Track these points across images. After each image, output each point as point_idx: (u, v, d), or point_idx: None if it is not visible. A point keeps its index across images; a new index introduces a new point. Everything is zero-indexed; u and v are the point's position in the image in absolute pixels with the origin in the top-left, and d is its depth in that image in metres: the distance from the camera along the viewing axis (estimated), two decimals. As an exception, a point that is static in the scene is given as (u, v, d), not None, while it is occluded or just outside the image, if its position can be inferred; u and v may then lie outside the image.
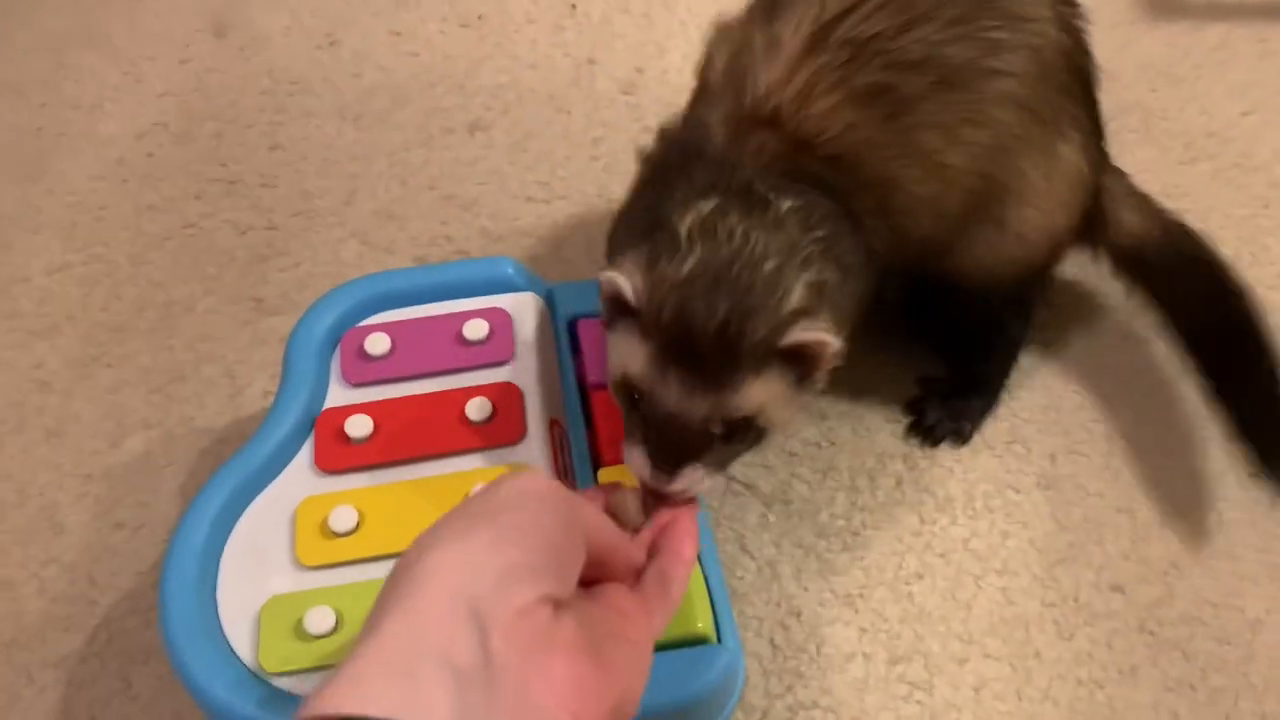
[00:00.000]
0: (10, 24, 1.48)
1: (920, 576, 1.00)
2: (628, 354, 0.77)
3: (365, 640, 0.51)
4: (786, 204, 0.82)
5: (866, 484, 1.05)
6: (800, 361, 0.77)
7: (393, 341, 0.92)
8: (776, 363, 0.76)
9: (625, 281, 0.76)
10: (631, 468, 0.76)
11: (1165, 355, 1.12)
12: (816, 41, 0.86)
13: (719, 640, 0.80)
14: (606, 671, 0.56)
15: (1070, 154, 0.97)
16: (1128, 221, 1.06)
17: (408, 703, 0.47)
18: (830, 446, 1.08)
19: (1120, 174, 1.08)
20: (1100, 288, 1.17)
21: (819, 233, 0.82)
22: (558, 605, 0.56)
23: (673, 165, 0.88)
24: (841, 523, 1.03)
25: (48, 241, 1.25)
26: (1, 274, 1.22)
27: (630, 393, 0.77)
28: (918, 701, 0.92)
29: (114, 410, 1.10)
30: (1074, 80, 0.96)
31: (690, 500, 0.76)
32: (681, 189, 0.84)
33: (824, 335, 0.76)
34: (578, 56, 1.45)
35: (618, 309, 0.77)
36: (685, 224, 0.79)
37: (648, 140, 0.96)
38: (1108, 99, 1.01)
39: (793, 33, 0.86)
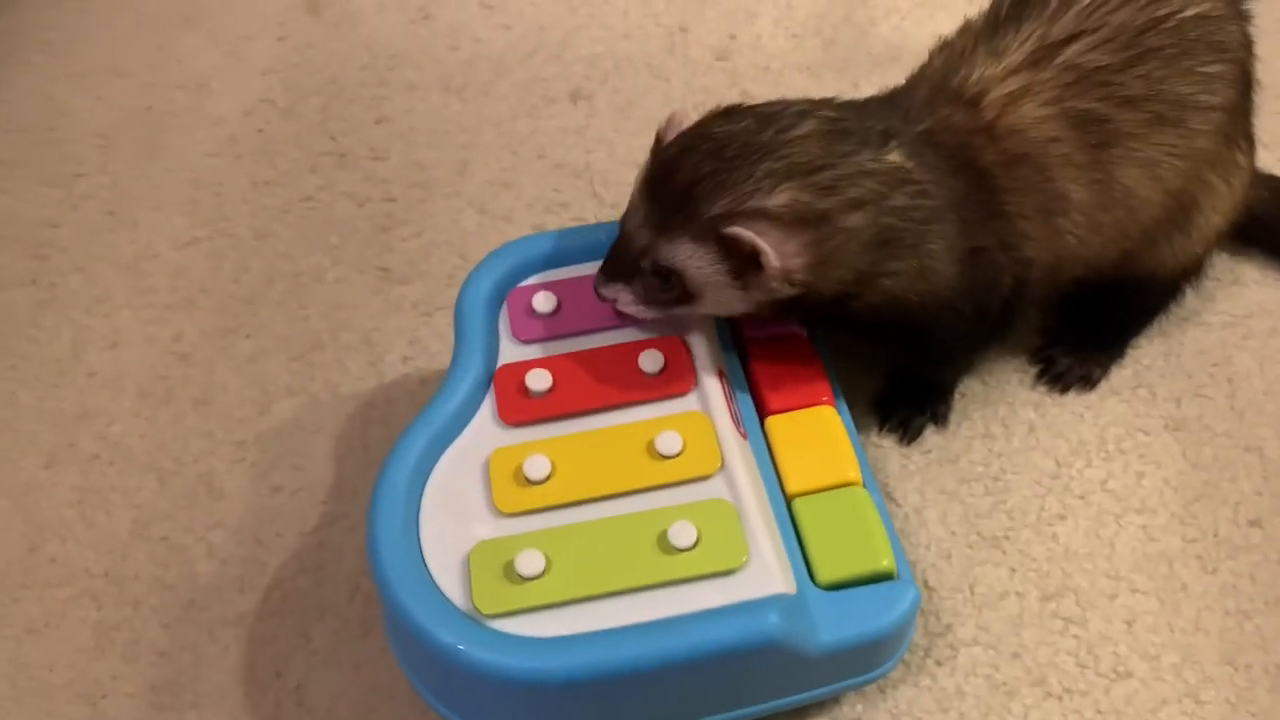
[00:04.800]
0: (109, 8, 1.49)
1: (1062, 517, 1.02)
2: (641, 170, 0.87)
3: None
4: (895, 157, 0.86)
5: (1001, 431, 1.08)
6: (736, 257, 0.82)
7: (559, 299, 0.94)
8: (716, 244, 0.82)
9: (672, 122, 0.87)
10: None
11: (1274, 295, 1.15)
12: (1040, 59, 0.91)
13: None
14: None
15: (1243, 159, 1.03)
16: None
17: None
18: (962, 398, 1.10)
19: None
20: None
21: (892, 196, 0.84)
22: None
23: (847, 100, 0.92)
24: (981, 469, 1.06)
25: (171, 218, 1.27)
26: (130, 251, 1.24)
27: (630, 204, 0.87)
28: (1074, 636, 0.95)
29: (257, 378, 1.12)
30: (1248, 95, 1.02)
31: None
32: (810, 100, 0.89)
33: (760, 242, 0.80)
34: (669, 25, 1.47)
35: (656, 140, 0.88)
36: (761, 106, 0.86)
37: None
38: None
39: (1017, 46, 0.91)
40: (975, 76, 0.91)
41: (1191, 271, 1.08)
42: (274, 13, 1.49)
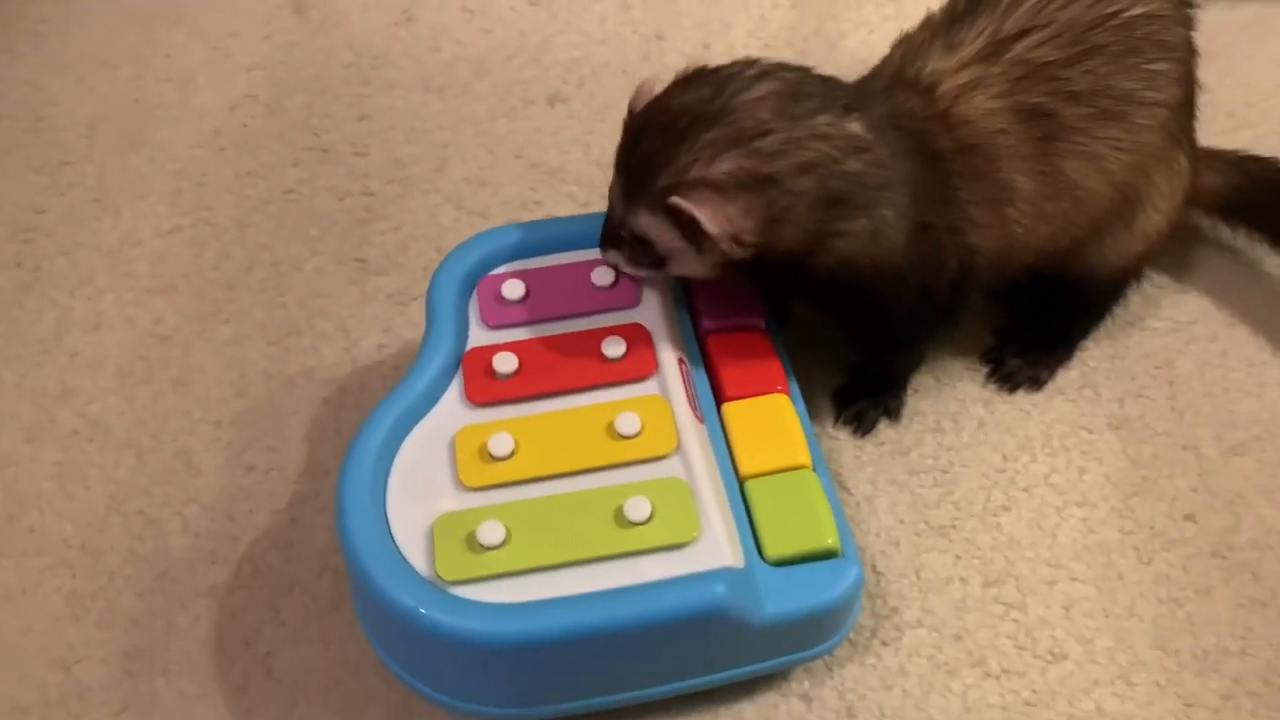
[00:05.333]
0: (98, 3, 1.52)
1: (1006, 509, 1.07)
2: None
3: None
4: (853, 127, 0.90)
5: (951, 426, 1.12)
6: (684, 226, 0.87)
7: (527, 287, 0.98)
8: (665, 213, 0.88)
9: (641, 90, 0.91)
10: None
11: (1214, 304, 1.20)
12: (991, 53, 0.96)
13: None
14: None
15: (1185, 161, 1.08)
16: (1210, 184, 1.16)
17: None
18: (915, 393, 1.15)
19: None
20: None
21: (846, 161, 0.89)
22: None
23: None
24: (930, 461, 1.10)
25: (154, 206, 1.30)
26: (114, 238, 1.27)
27: None
28: (1014, 620, 1.00)
29: (235, 362, 1.16)
30: (1191, 97, 1.07)
31: None
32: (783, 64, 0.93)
33: (696, 212, 0.85)
34: (646, 33, 1.51)
35: (630, 109, 0.92)
36: (724, 70, 0.90)
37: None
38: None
39: (970, 40, 0.96)
40: (930, 68, 0.96)
41: (1132, 273, 1.12)
42: (260, 11, 1.53)
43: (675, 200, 0.86)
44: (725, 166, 0.86)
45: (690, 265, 0.92)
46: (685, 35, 1.51)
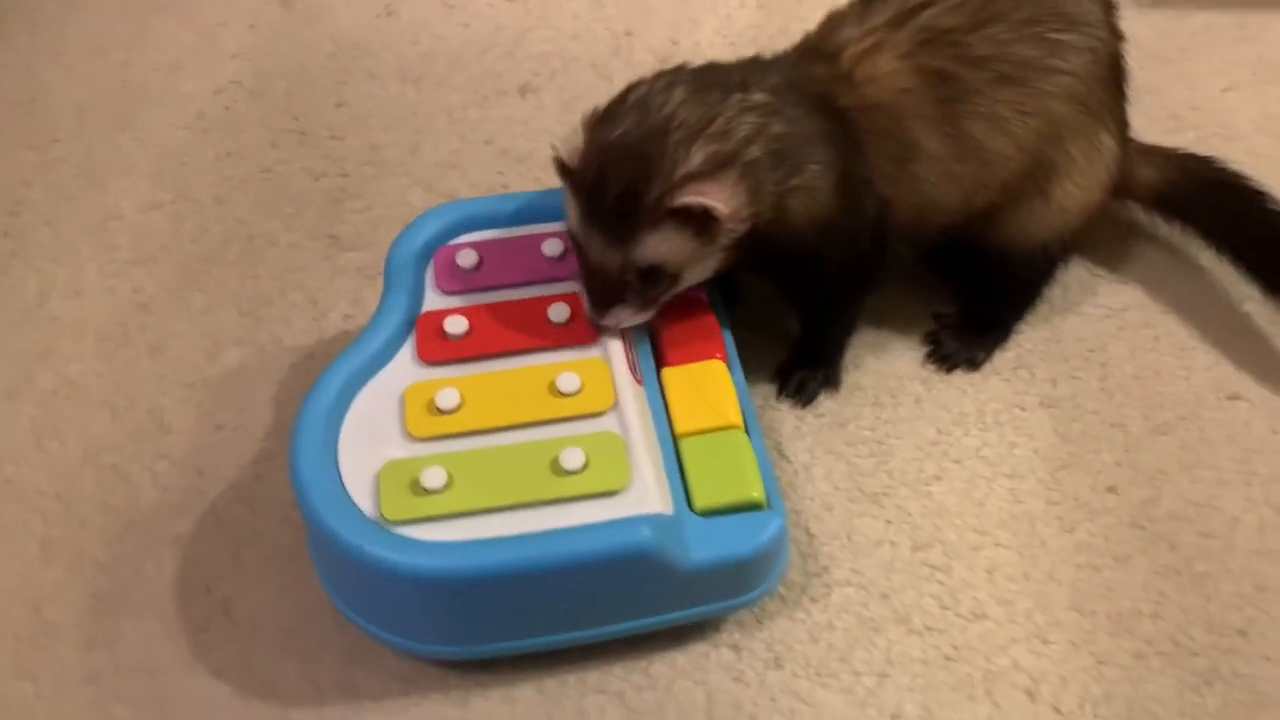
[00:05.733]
0: (92, -10, 1.60)
1: (938, 479, 1.12)
2: (569, 211, 0.95)
3: None
4: (758, 96, 0.96)
5: (889, 401, 1.18)
6: (693, 220, 0.92)
7: (480, 257, 1.04)
8: (672, 221, 0.92)
9: (565, 149, 0.94)
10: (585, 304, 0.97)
11: (1148, 292, 1.26)
12: (898, 21, 1.02)
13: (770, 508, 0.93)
14: None
15: (1109, 140, 1.13)
16: (1146, 178, 1.22)
17: None
18: (856, 370, 1.20)
19: (1131, 140, 1.22)
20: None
21: (769, 123, 0.95)
22: None
23: (709, 63, 1.04)
24: (868, 433, 1.15)
25: (138, 184, 1.36)
26: (98, 211, 1.33)
27: (576, 244, 0.96)
28: (939, 581, 1.05)
29: (209, 329, 1.22)
30: (1116, 77, 1.12)
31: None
32: (668, 70, 1.00)
33: (707, 200, 0.90)
34: (616, 29, 1.58)
35: (563, 170, 0.95)
36: (635, 94, 0.96)
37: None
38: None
39: (880, 12, 1.02)
40: (839, 37, 1.03)
41: (1055, 250, 1.16)
42: (248, 3, 1.59)
43: (684, 201, 0.90)
44: (699, 158, 0.92)
45: (699, 268, 0.97)
46: (654, 32, 1.57)
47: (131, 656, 0.98)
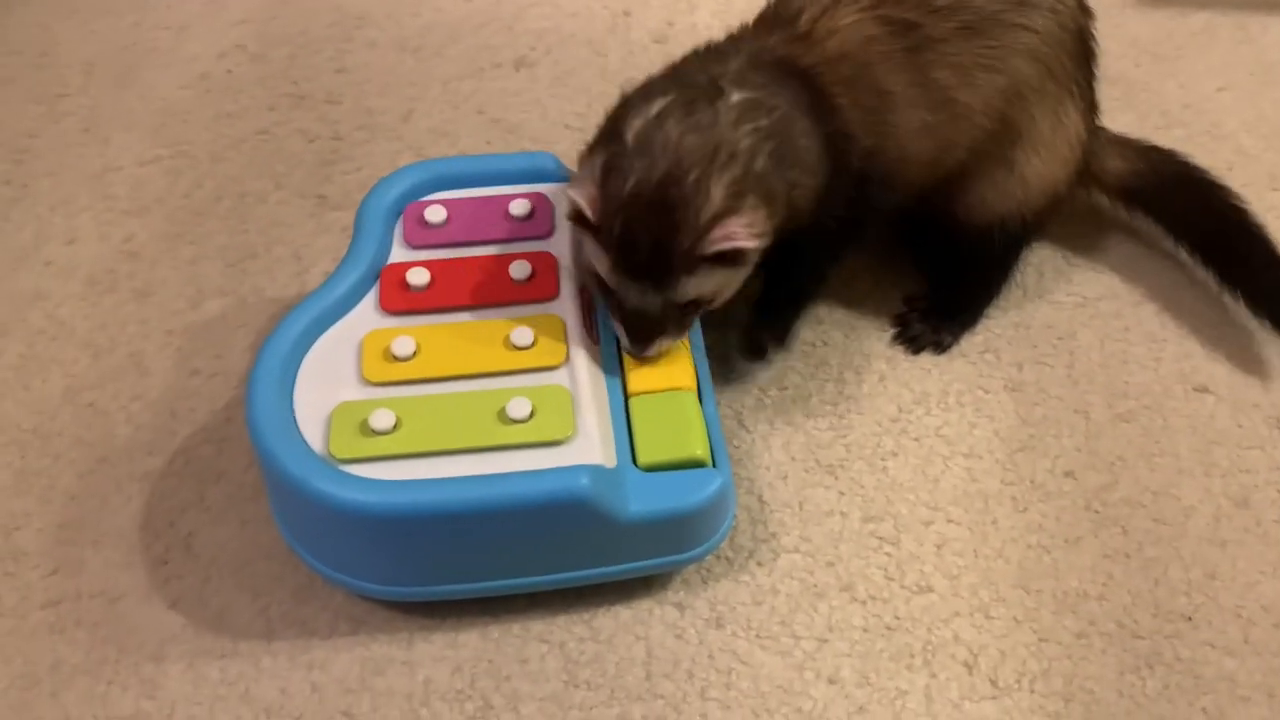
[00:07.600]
0: (107, -48, 1.64)
1: (895, 454, 1.13)
2: (596, 259, 0.96)
3: None
4: (736, 97, 0.97)
5: (854, 378, 1.19)
6: (727, 256, 0.93)
7: (448, 213, 1.06)
8: (706, 263, 0.93)
9: (584, 201, 0.93)
10: (620, 337, 0.99)
11: (1123, 283, 1.27)
12: None
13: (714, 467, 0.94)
14: None
15: (1074, 117, 1.13)
16: (1114, 168, 1.23)
17: None
18: (824, 346, 1.21)
19: (1102, 129, 1.23)
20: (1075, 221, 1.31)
21: (759, 123, 0.96)
22: None
23: (671, 66, 1.04)
24: (829, 408, 1.16)
25: (139, 138, 1.40)
26: (99, 163, 1.37)
27: (603, 285, 0.97)
28: (886, 553, 1.06)
29: (194, 278, 1.25)
30: (1083, 53, 1.13)
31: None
32: (644, 91, 0.99)
33: (738, 241, 0.92)
34: (615, 9, 1.60)
35: (582, 221, 0.95)
36: (631, 133, 0.94)
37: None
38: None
39: None
40: (797, 4, 1.04)
41: (1013, 223, 1.16)
42: (257, -29, 1.63)
43: (717, 247, 0.92)
44: (719, 195, 0.92)
45: (734, 285, 1.00)
46: (651, 13, 1.59)
47: (93, 584, 1.01)
